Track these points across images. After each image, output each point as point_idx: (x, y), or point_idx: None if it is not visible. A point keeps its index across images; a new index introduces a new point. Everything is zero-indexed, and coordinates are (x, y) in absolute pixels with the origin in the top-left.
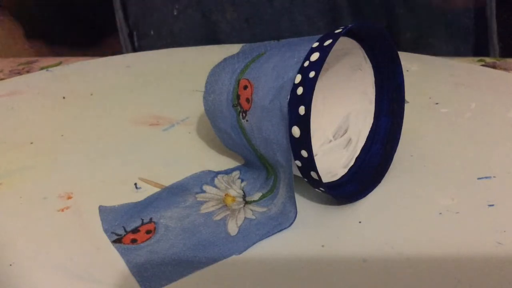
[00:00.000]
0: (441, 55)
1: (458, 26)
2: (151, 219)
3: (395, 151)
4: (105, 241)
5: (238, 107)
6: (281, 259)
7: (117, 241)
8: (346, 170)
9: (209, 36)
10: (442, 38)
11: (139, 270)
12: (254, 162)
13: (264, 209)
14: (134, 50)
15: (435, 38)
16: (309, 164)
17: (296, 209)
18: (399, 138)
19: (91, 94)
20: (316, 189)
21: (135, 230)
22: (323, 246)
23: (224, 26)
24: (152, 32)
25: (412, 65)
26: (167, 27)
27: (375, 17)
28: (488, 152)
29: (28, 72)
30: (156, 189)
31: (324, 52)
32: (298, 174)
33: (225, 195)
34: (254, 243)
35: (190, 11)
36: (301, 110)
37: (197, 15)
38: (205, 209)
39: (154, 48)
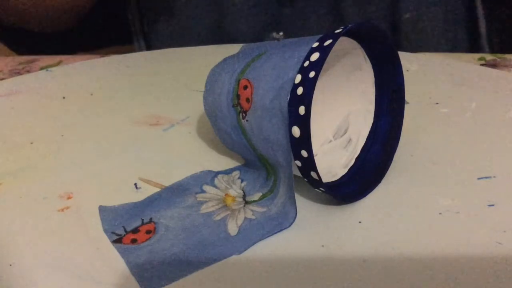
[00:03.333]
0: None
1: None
2: (151, 219)
3: (395, 151)
4: (105, 241)
5: (238, 107)
6: (281, 259)
7: (117, 241)
8: (346, 170)
9: (218, 20)
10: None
11: (139, 270)
12: (254, 162)
13: (264, 209)
14: (144, 35)
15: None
16: (309, 164)
17: (296, 209)
18: (399, 138)
19: (91, 94)
20: (316, 189)
21: (135, 230)
22: (323, 246)
23: (233, 10)
24: (162, 18)
25: (412, 65)
26: (176, 13)
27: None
28: (488, 152)
29: (28, 71)
30: (156, 189)
31: (324, 52)
32: (298, 174)
33: (225, 195)
34: (254, 243)
35: None
36: (301, 110)
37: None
38: (205, 209)
39: (163, 34)
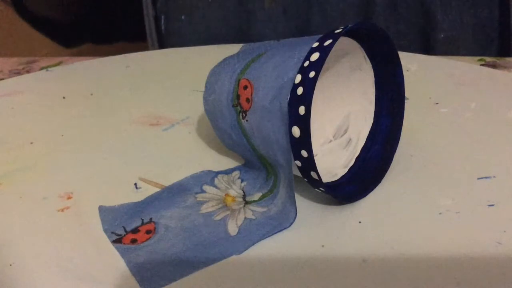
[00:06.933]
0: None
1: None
2: (151, 219)
3: (395, 151)
4: (105, 241)
5: (238, 107)
6: (281, 259)
7: (117, 241)
8: (346, 170)
9: (243, 25)
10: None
11: (139, 270)
12: (254, 162)
13: (264, 209)
14: (160, 34)
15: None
16: (309, 164)
17: (296, 209)
18: (399, 138)
19: (91, 94)
20: (316, 189)
21: (135, 230)
22: (323, 246)
23: (261, 16)
24: (183, 17)
25: (412, 65)
26: (200, 13)
27: (410, 13)
28: (488, 152)
29: (28, 72)
30: (156, 189)
31: (324, 52)
32: (298, 174)
33: (225, 195)
34: (254, 243)
35: None
36: (301, 110)
37: (233, 1)
38: (205, 209)
39: (183, 34)
